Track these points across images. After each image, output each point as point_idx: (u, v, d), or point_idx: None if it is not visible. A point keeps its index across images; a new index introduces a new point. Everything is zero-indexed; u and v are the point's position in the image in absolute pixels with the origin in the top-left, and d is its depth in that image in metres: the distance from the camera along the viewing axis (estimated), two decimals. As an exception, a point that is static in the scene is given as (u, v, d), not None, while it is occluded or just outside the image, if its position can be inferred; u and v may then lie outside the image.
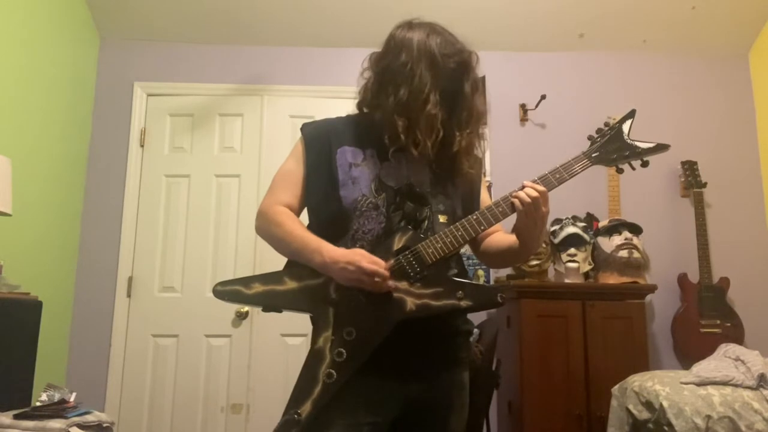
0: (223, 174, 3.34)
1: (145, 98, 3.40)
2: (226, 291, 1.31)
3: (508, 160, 3.33)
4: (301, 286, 1.29)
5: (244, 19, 3.34)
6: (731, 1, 3.28)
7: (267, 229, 1.38)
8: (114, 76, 3.40)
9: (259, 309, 1.34)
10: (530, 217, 1.28)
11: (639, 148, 1.35)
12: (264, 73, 3.44)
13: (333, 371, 1.21)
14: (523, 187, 1.28)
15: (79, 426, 2.01)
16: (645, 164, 1.37)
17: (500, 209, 1.30)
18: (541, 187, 1.27)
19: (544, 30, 3.41)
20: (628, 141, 1.36)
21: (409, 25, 1.38)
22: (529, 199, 1.26)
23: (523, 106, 3.44)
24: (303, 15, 3.32)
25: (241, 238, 3.27)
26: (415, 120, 1.30)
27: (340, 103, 3.26)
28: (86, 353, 3.13)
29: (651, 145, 1.35)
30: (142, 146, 3.35)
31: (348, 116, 1.45)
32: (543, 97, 3.33)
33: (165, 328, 3.19)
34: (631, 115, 1.38)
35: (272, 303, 1.30)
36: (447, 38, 1.36)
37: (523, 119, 3.44)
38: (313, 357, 1.24)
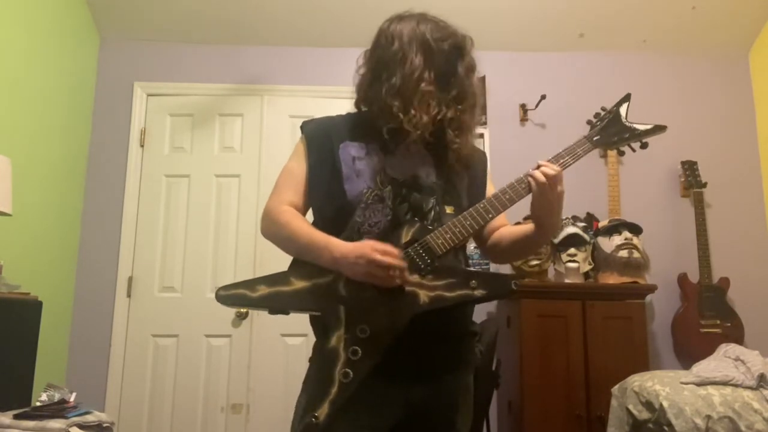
0: (223, 174, 3.34)
1: (145, 98, 3.40)
2: (230, 295, 1.26)
3: (508, 160, 3.31)
4: (308, 286, 1.26)
5: (244, 19, 3.34)
6: (731, 1, 3.28)
7: (273, 229, 1.37)
8: (114, 76, 3.40)
9: (266, 312, 1.29)
10: (546, 197, 1.27)
11: (637, 129, 1.39)
12: (264, 73, 3.43)
13: (349, 370, 1.18)
14: (538, 167, 1.28)
15: (79, 426, 2.01)
16: (644, 146, 1.41)
17: (507, 196, 1.29)
18: (556, 167, 1.28)
19: (544, 30, 3.41)
20: (627, 123, 1.39)
21: (399, 17, 1.39)
22: (544, 179, 1.26)
23: (523, 106, 3.44)
24: (303, 15, 3.32)
25: (241, 238, 3.27)
26: (409, 99, 1.29)
27: (340, 103, 3.24)
28: (86, 353, 3.13)
29: (649, 126, 1.39)
30: (142, 146, 3.35)
31: (348, 114, 1.44)
32: (543, 97, 3.33)
33: (165, 328, 3.18)
34: (627, 98, 1.43)
35: (279, 305, 1.26)
36: (438, 24, 1.36)
37: (523, 119, 3.44)
38: (327, 357, 1.21)
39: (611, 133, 1.38)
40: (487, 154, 3.29)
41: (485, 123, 3.39)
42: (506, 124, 3.41)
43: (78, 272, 3.21)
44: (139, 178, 3.32)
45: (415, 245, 1.25)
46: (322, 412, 1.16)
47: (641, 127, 1.38)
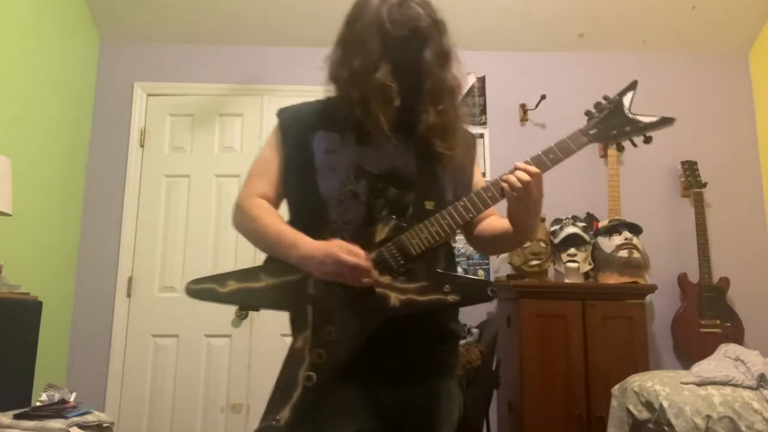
0: (223, 174, 3.34)
1: (145, 98, 3.40)
2: (198, 289, 1.22)
3: (508, 160, 3.28)
4: (277, 283, 1.20)
5: (244, 19, 3.34)
6: (731, 1, 3.29)
7: (244, 223, 1.30)
8: (114, 76, 3.40)
9: (235, 307, 1.26)
10: (522, 202, 1.17)
11: (641, 122, 1.23)
12: (264, 73, 3.44)
13: (312, 374, 1.12)
14: (514, 169, 1.17)
15: (79, 426, 2.01)
16: (648, 140, 1.25)
17: (490, 194, 1.19)
18: (533, 169, 1.16)
19: (544, 30, 3.41)
20: (629, 115, 1.24)
21: None
22: (519, 184, 1.15)
23: (523, 106, 3.44)
24: (303, 15, 3.31)
25: (241, 237, 3.24)
26: (366, 93, 1.19)
27: (340, 103, 3.27)
28: (86, 353, 3.13)
29: (654, 119, 1.23)
30: (142, 146, 3.35)
31: (326, 99, 1.32)
32: (543, 97, 3.33)
33: (165, 328, 3.18)
34: (633, 86, 1.27)
35: (248, 301, 1.23)
36: (404, 5, 1.22)
37: (523, 119, 3.44)
38: (292, 359, 1.16)
39: (611, 125, 1.23)
40: (487, 155, 3.33)
41: (485, 123, 3.39)
42: (506, 124, 3.41)
43: (78, 272, 3.21)
44: (139, 178, 3.32)
45: (389, 244, 1.16)
46: (283, 416, 1.10)
47: (646, 120, 1.22)
